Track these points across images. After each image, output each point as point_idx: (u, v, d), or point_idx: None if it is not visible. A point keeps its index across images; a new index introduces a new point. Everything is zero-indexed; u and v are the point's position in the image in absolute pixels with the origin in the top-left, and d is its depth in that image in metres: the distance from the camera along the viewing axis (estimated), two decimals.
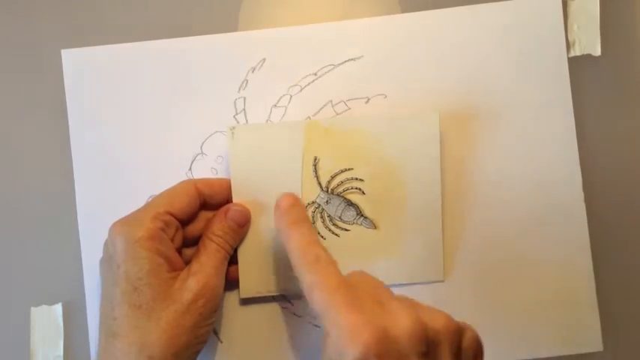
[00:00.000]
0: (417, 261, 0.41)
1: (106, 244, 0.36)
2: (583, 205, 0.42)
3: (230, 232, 0.38)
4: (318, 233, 0.40)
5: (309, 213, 0.40)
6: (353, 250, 0.40)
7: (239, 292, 0.40)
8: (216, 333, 0.41)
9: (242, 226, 0.39)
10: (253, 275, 0.40)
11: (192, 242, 0.39)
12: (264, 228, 0.40)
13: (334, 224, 0.40)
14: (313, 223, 0.40)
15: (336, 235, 0.40)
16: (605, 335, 0.41)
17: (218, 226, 0.38)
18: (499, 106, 0.42)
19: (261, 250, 0.40)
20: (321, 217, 0.40)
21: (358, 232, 0.40)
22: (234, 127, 0.39)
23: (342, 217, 0.40)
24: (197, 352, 0.36)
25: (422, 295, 0.41)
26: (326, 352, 0.29)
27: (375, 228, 0.40)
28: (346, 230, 0.40)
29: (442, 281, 0.41)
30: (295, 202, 0.35)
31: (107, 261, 0.36)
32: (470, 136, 0.42)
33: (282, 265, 0.40)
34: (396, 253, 0.40)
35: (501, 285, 0.41)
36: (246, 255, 0.40)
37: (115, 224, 0.36)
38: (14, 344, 0.41)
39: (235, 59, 0.42)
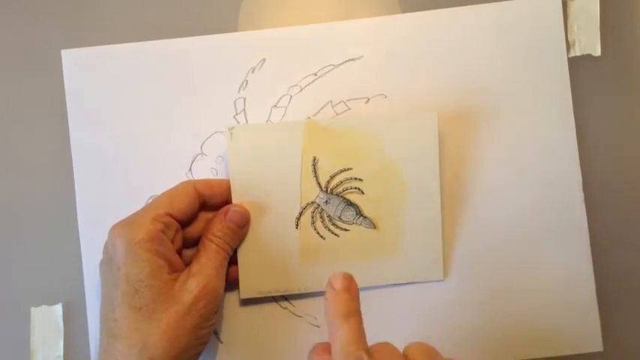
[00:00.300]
0: (416, 260, 0.41)
1: (105, 246, 0.36)
2: (583, 205, 0.42)
3: (230, 232, 0.38)
4: (318, 233, 0.40)
5: (309, 213, 0.40)
6: (353, 249, 0.40)
7: (239, 292, 0.40)
8: (216, 333, 0.41)
9: (241, 226, 0.39)
10: (253, 276, 0.40)
11: (192, 243, 0.39)
12: (264, 228, 0.40)
13: (334, 224, 0.40)
14: (312, 223, 0.40)
15: (336, 235, 0.40)
16: (605, 335, 0.41)
17: (217, 227, 0.38)
18: (499, 106, 0.42)
19: (261, 251, 0.40)
20: (321, 217, 0.40)
21: (358, 231, 0.40)
22: (232, 128, 0.39)
23: (342, 217, 0.40)
24: (198, 354, 0.36)
25: (422, 295, 0.41)
26: None
27: (375, 228, 0.40)
28: (346, 230, 0.40)
29: (442, 280, 0.41)
30: (350, 285, 0.31)
31: (107, 263, 0.36)
32: (469, 136, 0.42)
33: (283, 266, 0.40)
34: (396, 253, 0.40)
35: (501, 285, 0.41)
36: (246, 255, 0.40)
37: (114, 226, 0.36)
38: (14, 344, 0.41)
39: (235, 59, 0.42)
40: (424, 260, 0.41)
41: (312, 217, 0.40)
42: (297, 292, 0.40)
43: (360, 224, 0.40)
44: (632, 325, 0.42)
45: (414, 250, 0.40)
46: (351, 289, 0.31)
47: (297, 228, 0.40)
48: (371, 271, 0.40)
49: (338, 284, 0.31)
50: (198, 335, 0.35)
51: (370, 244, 0.40)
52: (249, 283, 0.40)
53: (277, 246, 0.40)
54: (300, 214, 0.40)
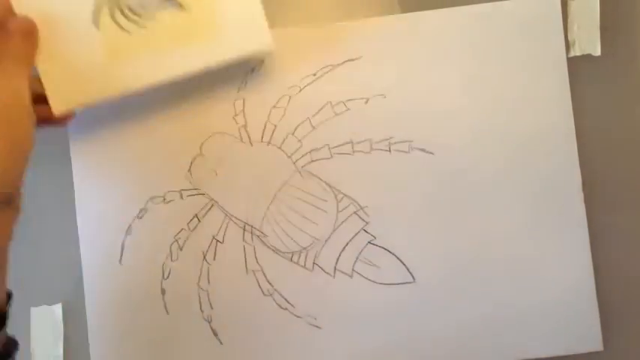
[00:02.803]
0: (238, 34, 0.38)
1: None
2: (583, 205, 0.42)
3: (18, 48, 0.34)
4: (122, 28, 0.37)
5: (105, 8, 0.37)
6: (165, 38, 0.37)
7: (51, 107, 0.37)
8: (216, 334, 0.41)
9: (29, 37, 0.35)
10: (60, 87, 0.37)
11: None
12: (59, 34, 0.36)
13: (136, 14, 0.37)
14: (112, 18, 0.37)
15: (143, 27, 0.37)
16: (605, 335, 0.41)
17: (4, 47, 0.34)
18: (498, 105, 0.42)
19: (62, 59, 0.37)
20: (120, 9, 0.37)
21: (166, 18, 0.37)
22: None
23: (144, 4, 0.37)
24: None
25: (423, 294, 0.41)
26: None
27: (183, 8, 0.37)
28: (152, 19, 0.37)
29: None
30: None
31: None
32: (468, 136, 0.42)
33: (89, 71, 0.37)
34: (214, 31, 0.38)
35: (501, 285, 0.41)
36: (47, 67, 0.37)
37: None
38: None
39: None
40: (247, 32, 0.38)
41: (110, 11, 0.37)
42: (109, 96, 0.37)
43: (166, 9, 0.37)
44: (632, 325, 0.42)
45: (233, 23, 0.38)
46: None
47: (98, 28, 0.37)
48: (191, 56, 0.38)
49: None
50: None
51: (183, 28, 0.37)
52: (58, 95, 0.37)
53: (78, 51, 0.37)
54: (97, 9, 0.37)
